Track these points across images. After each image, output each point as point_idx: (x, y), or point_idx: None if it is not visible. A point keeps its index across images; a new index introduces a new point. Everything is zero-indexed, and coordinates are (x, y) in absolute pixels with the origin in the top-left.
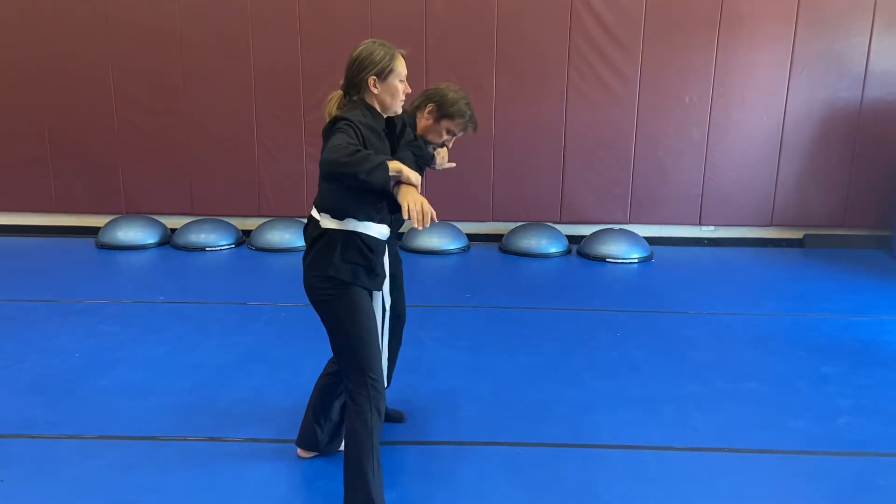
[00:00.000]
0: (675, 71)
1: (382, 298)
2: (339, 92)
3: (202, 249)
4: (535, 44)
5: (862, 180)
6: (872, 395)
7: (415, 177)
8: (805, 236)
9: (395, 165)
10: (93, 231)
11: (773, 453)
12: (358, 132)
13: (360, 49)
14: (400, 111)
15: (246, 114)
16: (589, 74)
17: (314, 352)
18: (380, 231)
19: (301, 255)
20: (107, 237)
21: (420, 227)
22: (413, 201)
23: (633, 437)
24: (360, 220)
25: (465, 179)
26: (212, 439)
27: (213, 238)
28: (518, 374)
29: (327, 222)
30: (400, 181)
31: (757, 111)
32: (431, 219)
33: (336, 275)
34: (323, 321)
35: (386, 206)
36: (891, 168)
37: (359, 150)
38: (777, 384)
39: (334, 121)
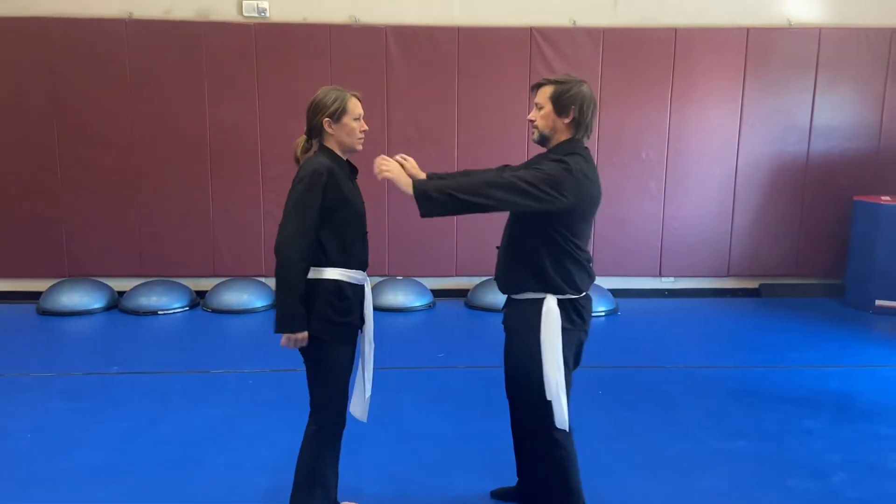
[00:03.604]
0: (631, 127)
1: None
2: (303, 137)
3: (154, 313)
4: (496, 101)
5: (812, 230)
6: (861, 450)
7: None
8: (761, 286)
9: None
10: (33, 296)
11: None
12: (312, 200)
13: (315, 95)
14: (360, 148)
15: (200, 170)
16: None
17: (288, 423)
18: (352, 276)
19: (262, 316)
20: (49, 303)
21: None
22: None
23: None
24: (334, 266)
25: (429, 235)
26: None
27: (165, 300)
28: (506, 439)
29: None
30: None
31: (710, 165)
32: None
33: (316, 333)
34: (304, 359)
35: (359, 251)
36: (838, 218)
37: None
38: (766, 441)
39: (298, 181)
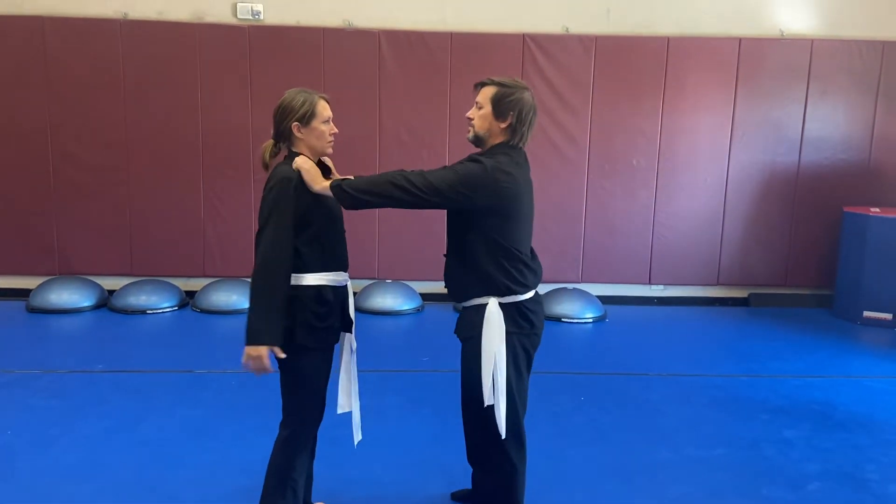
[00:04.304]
0: (622, 135)
1: (349, 341)
2: (270, 141)
3: (143, 312)
4: None
5: (802, 241)
6: (837, 459)
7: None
8: (750, 295)
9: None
10: (23, 294)
11: None
12: (286, 206)
13: (282, 98)
14: (330, 151)
15: (192, 170)
16: (540, 138)
17: (269, 424)
18: (334, 279)
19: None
20: (38, 300)
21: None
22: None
23: None
24: (315, 271)
25: (418, 238)
26: None
27: (155, 300)
28: None
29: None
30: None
31: (701, 174)
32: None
33: (300, 341)
34: (279, 364)
35: (339, 252)
36: (829, 229)
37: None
38: (745, 449)
39: (269, 190)
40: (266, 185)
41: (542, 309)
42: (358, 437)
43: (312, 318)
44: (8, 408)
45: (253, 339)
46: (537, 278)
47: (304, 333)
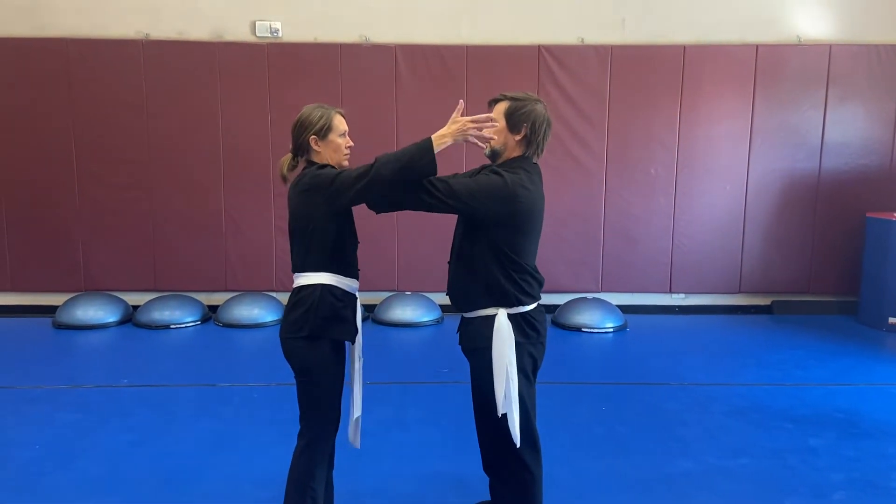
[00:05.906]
0: (640, 143)
1: (355, 349)
2: (289, 155)
3: (166, 327)
4: None
5: (824, 247)
6: (863, 468)
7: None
8: (773, 303)
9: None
10: (50, 310)
11: None
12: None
13: (300, 114)
14: (347, 164)
15: (213, 187)
16: (558, 148)
17: (291, 437)
18: (349, 284)
19: (271, 330)
20: (65, 316)
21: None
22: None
23: None
24: (331, 272)
25: (437, 250)
26: None
27: (178, 315)
28: None
29: (301, 280)
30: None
31: (720, 181)
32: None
33: (314, 332)
34: (295, 371)
35: (353, 261)
36: (851, 235)
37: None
38: (768, 459)
39: (309, 172)
40: (301, 179)
41: (545, 318)
42: (357, 444)
43: (328, 309)
44: (35, 422)
45: (428, 143)
46: (542, 288)
47: (320, 324)
